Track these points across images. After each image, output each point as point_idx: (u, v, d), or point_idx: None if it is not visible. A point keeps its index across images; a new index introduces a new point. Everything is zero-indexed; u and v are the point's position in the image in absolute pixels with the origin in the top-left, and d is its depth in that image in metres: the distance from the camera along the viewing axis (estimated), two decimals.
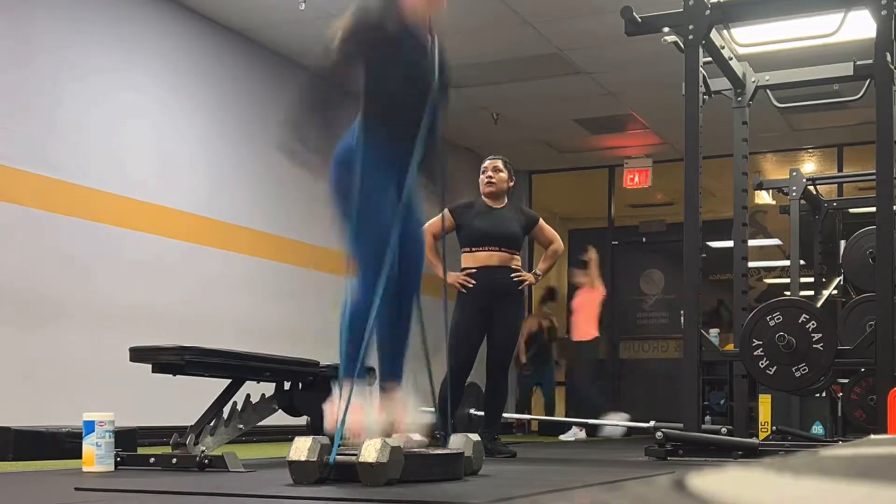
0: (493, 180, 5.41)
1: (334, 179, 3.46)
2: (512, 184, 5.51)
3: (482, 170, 5.47)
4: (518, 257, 5.49)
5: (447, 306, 3.79)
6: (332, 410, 3.27)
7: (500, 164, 5.47)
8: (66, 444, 4.85)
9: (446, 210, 4.78)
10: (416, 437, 3.64)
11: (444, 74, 3.58)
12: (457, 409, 5.71)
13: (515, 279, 5.39)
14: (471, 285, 5.29)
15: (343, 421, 3.16)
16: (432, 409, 3.92)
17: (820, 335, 4.66)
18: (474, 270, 5.34)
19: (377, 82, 3.47)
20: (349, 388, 3.27)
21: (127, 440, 4.44)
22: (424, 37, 3.56)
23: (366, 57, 3.45)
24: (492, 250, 5.36)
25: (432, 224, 4.97)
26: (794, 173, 7.35)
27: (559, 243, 5.64)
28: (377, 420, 3.31)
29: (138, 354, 4.04)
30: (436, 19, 3.61)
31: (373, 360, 3.51)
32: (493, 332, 5.41)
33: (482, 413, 6.97)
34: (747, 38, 5.93)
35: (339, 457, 3.10)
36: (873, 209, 4.98)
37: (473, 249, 5.37)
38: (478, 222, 5.36)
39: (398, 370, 3.56)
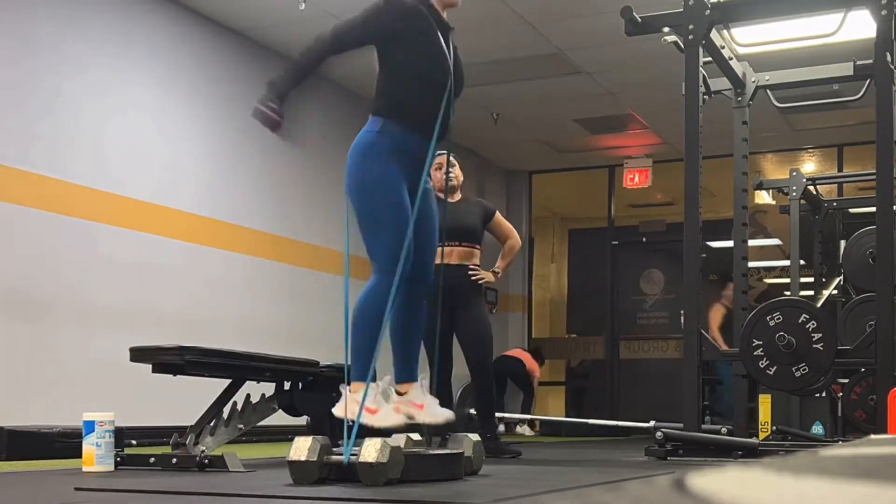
0: (452, 174, 5.02)
1: (352, 173, 3.45)
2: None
3: (436, 165, 4.90)
4: (478, 251, 5.23)
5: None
6: (346, 403, 3.21)
7: (450, 158, 4.78)
8: (57, 443, 4.85)
9: None
10: (415, 436, 3.64)
11: (458, 69, 3.58)
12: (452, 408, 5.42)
13: (473, 276, 5.14)
14: None
15: (357, 423, 3.14)
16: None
17: (820, 335, 4.66)
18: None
19: (397, 73, 3.46)
20: (364, 388, 3.25)
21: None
22: (445, 32, 3.54)
23: (385, 45, 3.44)
24: (451, 245, 5.00)
25: None
26: (794, 173, 7.35)
27: (516, 238, 5.41)
28: (394, 420, 3.27)
29: (138, 354, 4.04)
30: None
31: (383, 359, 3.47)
32: (460, 332, 5.16)
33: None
34: (747, 38, 5.94)
35: (337, 457, 3.10)
36: (873, 209, 4.98)
37: None
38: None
39: (414, 369, 3.56)
